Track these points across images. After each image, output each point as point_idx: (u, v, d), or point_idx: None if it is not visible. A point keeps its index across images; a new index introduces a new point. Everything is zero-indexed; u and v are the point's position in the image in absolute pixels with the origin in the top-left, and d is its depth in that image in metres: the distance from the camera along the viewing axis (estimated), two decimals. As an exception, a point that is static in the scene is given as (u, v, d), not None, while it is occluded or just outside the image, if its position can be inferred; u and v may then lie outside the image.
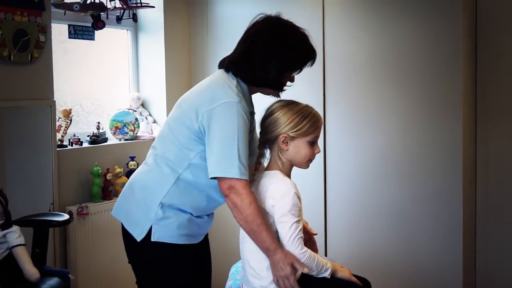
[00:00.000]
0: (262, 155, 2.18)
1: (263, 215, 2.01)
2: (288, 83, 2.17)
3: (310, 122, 2.10)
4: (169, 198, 2.07)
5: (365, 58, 3.51)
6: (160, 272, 2.10)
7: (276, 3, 3.57)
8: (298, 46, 2.11)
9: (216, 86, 2.05)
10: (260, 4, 3.65)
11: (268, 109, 2.15)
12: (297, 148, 2.10)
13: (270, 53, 2.06)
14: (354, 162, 3.56)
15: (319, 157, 3.56)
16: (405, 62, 3.39)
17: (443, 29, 3.24)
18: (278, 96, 2.18)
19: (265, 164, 2.21)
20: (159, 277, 2.10)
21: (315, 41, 3.64)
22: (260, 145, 2.18)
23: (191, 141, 2.04)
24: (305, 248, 2.04)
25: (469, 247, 3.46)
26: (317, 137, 2.13)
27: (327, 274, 2.08)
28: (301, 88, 3.49)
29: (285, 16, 2.16)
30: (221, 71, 2.12)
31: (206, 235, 2.23)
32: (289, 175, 2.14)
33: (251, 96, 2.16)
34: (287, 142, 2.09)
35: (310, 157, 2.13)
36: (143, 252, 2.11)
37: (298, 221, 2.03)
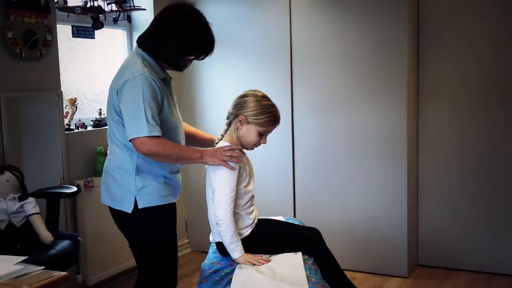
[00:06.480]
0: (229, 124, 2.39)
1: (176, 145, 2.17)
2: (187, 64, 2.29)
3: (268, 118, 2.31)
4: (141, 168, 2.18)
5: (327, 47, 3.71)
6: (153, 232, 2.25)
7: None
8: (200, 34, 2.20)
9: (125, 68, 2.17)
10: (243, 4, 3.74)
11: (245, 91, 2.38)
12: (248, 131, 2.33)
13: (174, 34, 2.15)
14: (317, 136, 3.81)
15: (288, 132, 3.78)
16: (359, 51, 3.63)
17: (391, 23, 3.48)
18: (179, 71, 2.30)
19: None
20: (151, 236, 2.25)
21: (283, 30, 3.61)
22: (228, 116, 2.40)
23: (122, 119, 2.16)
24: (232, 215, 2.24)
25: (413, 199, 3.72)
26: (268, 131, 2.34)
27: (232, 251, 2.25)
28: (271, 75, 3.63)
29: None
30: (133, 50, 2.26)
31: None
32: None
33: (162, 66, 2.24)
34: (243, 123, 2.33)
35: (255, 143, 2.35)
36: (136, 220, 2.22)
37: (231, 188, 2.26)
